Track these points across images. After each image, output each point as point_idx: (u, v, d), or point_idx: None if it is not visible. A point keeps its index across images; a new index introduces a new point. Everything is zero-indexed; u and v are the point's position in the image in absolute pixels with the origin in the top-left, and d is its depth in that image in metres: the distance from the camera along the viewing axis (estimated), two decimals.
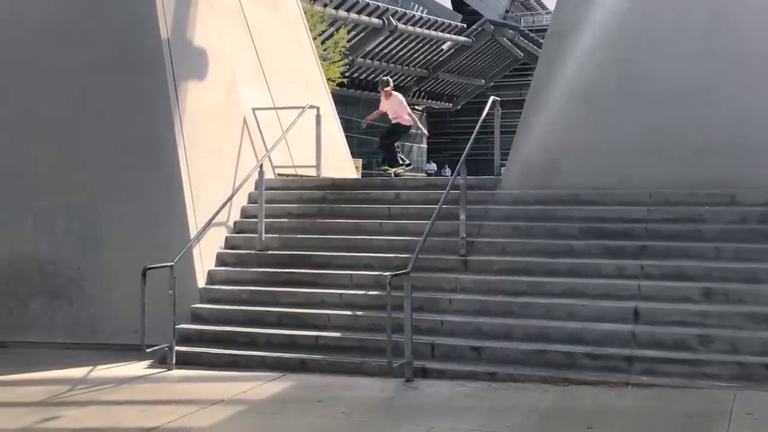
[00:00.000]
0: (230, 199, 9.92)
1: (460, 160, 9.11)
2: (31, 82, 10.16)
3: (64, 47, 10.14)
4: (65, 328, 9.34)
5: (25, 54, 10.25)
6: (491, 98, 10.37)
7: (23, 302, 9.54)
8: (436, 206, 8.61)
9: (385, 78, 15.04)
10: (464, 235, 8.94)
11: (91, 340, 9.17)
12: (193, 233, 9.35)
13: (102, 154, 9.80)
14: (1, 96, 10.17)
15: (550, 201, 9.57)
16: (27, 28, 10.33)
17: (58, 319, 9.40)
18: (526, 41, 54.29)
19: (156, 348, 8.16)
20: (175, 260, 8.49)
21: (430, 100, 55.26)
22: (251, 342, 8.48)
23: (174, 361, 8.22)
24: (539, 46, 46.26)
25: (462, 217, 8.94)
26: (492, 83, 56.28)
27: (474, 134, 9.65)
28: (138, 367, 8.23)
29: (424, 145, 57.24)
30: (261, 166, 10.17)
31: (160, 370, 8.14)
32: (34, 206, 9.75)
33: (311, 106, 11.55)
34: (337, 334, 8.33)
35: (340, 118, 14.67)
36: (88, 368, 8.20)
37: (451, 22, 48.10)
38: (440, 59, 50.05)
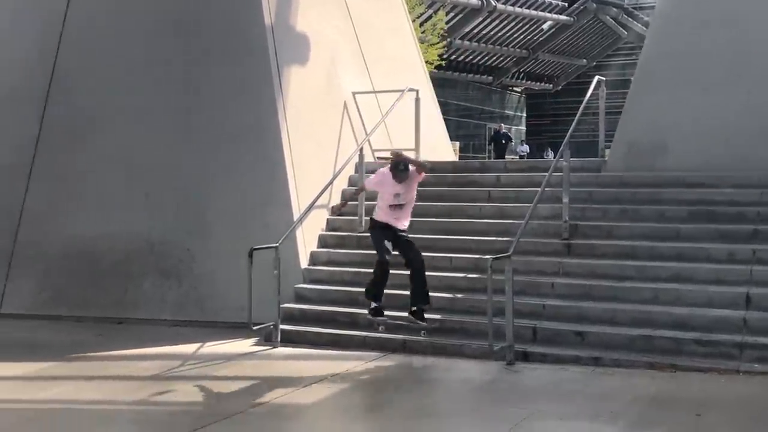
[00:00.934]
0: (331, 182, 10.13)
1: (564, 141, 9.02)
2: (142, 72, 10.63)
3: (174, 38, 10.57)
4: (175, 306, 9.77)
5: (136, 45, 10.74)
6: (596, 78, 10.20)
7: (137, 281, 10.03)
8: (538, 189, 8.57)
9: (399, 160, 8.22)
10: (567, 219, 8.86)
11: (199, 317, 9.56)
12: (296, 216, 9.61)
13: (210, 140, 10.18)
14: (114, 86, 10.70)
15: (657, 184, 9.36)
16: (138, 20, 10.82)
17: (169, 298, 9.84)
18: (630, 19, 52.67)
19: (262, 326, 8.46)
20: (280, 242, 8.77)
21: (529, 81, 54.45)
22: (353, 322, 8.67)
23: (279, 339, 8.49)
24: (644, 24, 44.94)
25: (565, 200, 8.86)
26: (594, 63, 54.93)
27: (578, 115, 9.53)
28: (244, 345, 8.53)
29: (523, 127, 56.55)
30: (361, 150, 10.35)
31: (265, 347, 8.42)
32: (147, 191, 10.22)
33: (410, 89, 11.62)
34: (437, 316, 8.41)
35: (438, 100, 14.71)
36: (197, 345, 8.55)
37: (552, 1, 47.15)
38: (540, 39, 49.18)
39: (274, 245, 8.67)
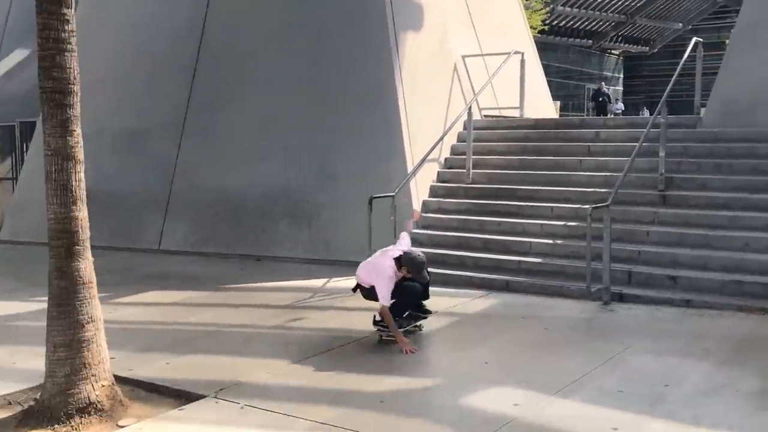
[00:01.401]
0: (442, 138, 10.13)
1: (661, 99, 8.70)
2: (277, 42, 10.86)
3: (304, 10, 10.72)
4: (305, 247, 10.09)
5: (271, 18, 10.96)
6: (694, 39, 9.73)
7: (274, 224, 10.40)
8: (636, 144, 8.32)
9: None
10: (663, 171, 8.58)
11: (326, 257, 9.85)
12: (410, 168, 9.69)
13: (336, 101, 10.34)
14: (253, 55, 10.98)
15: (752, 139, 8.90)
16: None
17: (300, 239, 10.17)
18: None
19: None
20: (396, 191, 8.89)
21: (626, 45, 52.14)
22: (460, 264, 8.73)
23: None
24: None
25: (662, 153, 8.57)
26: (689, 26, 52.00)
27: (675, 75, 9.14)
28: None
29: (620, 87, 54.40)
30: (469, 108, 10.28)
31: None
32: (283, 146, 10.51)
33: (516, 52, 11.41)
34: (538, 260, 8.38)
35: (540, 63, 14.36)
36: (325, 280, 8.83)
37: None
38: (638, 4, 46.84)
39: (391, 194, 8.81)
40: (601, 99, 27.55)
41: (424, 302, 6.48)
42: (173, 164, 11.36)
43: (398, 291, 6.04)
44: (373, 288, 6.07)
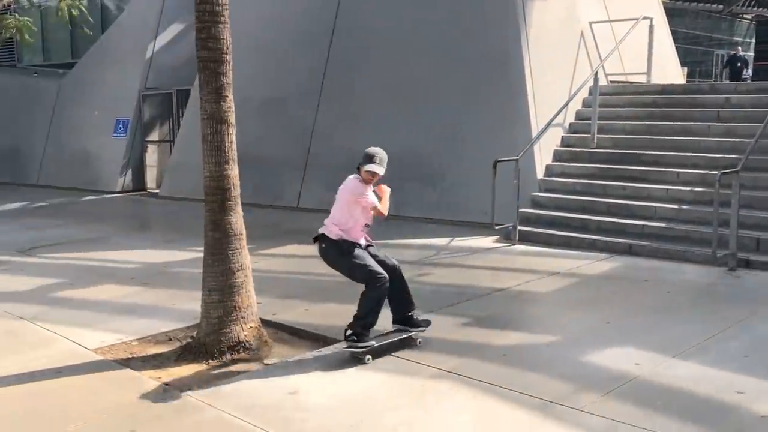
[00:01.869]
0: (567, 103, 9.80)
1: None
2: (406, 13, 10.81)
3: None
4: (431, 207, 10.11)
5: None
6: None
7: (401, 185, 10.42)
8: None
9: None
10: None
11: (450, 217, 9.83)
12: (534, 133, 9.45)
13: (462, 67, 10.20)
14: (384, 24, 10.99)
15: None
16: None
17: (426, 200, 10.19)
18: None
19: (502, 227, 8.54)
20: (520, 155, 8.71)
21: (760, 8, 48.14)
22: (583, 227, 8.48)
23: (516, 238, 8.54)
24: None
25: None
26: None
27: None
28: (487, 241, 8.69)
29: (750, 53, 50.42)
30: (596, 74, 9.86)
31: (505, 244, 8.52)
32: (414, 110, 10.50)
33: (644, 18, 10.79)
34: (663, 225, 8.00)
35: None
36: (448, 239, 8.85)
37: None
38: None
39: (515, 158, 8.64)
40: (738, 65, 25.51)
41: (415, 314, 5.08)
42: (311, 128, 11.65)
43: (357, 267, 4.79)
44: (333, 245, 4.85)
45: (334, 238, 4.88)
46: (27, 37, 8.43)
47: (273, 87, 12.14)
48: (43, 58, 19.28)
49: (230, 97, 4.98)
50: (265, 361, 4.86)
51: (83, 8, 9.37)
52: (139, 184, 15.20)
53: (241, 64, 10.67)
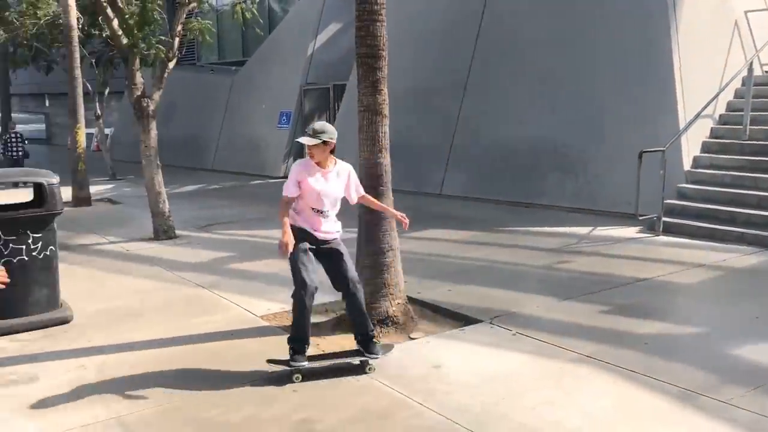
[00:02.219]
0: (718, 94, 9.13)
1: None
2: (550, 4, 10.50)
3: None
4: (572, 196, 9.82)
5: None
6: None
7: (541, 175, 10.25)
8: None
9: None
10: None
11: (591, 207, 9.50)
12: (681, 124, 8.90)
13: (606, 57, 9.78)
14: (531, 15, 10.75)
15: None
16: None
17: (567, 189, 9.91)
18: None
19: (646, 217, 8.14)
20: (667, 146, 8.25)
21: None
22: (730, 219, 7.90)
23: (660, 229, 8.11)
24: None
25: None
26: None
27: None
28: (630, 231, 8.31)
29: None
30: (750, 64, 9.09)
31: (648, 235, 8.11)
32: (556, 101, 10.24)
33: None
34: None
35: None
36: (589, 228, 8.54)
37: None
38: None
39: (662, 149, 8.19)
40: None
41: (367, 331, 4.26)
42: (455, 119, 11.65)
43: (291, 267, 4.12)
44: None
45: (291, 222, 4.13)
46: (207, 38, 9.02)
47: (421, 79, 12.24)
48: (218, 57, 20.59)
49: (385, 90, 5.09)
50: (411, 336, 4.96)
51: (255, 11, 9.90)
52: None
53: (392, 57, 10.89)
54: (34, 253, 5.21)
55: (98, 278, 6.87)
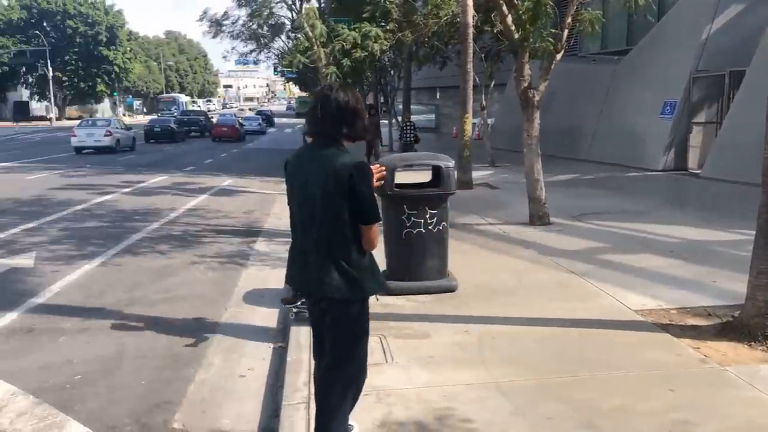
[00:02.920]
0: None
1: None
2: None
3: None
4: None
5: None
6: None
7: None
8: None
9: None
10: None
11: None
12: None
13: None
14: None
15: None
16: None
17: None
18: None
19: None
20: None
21: None
22: None
23: None
24: None
25: None
26: None
27: None
28: None
29: None
30: None
31: None
32: None
33: None
34: None
35: None
36: None
37: None
38: None
39: None
40: None
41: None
42: None
43: None
44: None
45: None
46: (596, 28, 8.96)
47: None
48: (600, 47, 20.24)
49: None
50: None
51: None
52: (680, 163, 14.86)
53: None
54: (430, 227, 5.90)
55: (478, 254, 7.46)
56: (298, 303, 5.52)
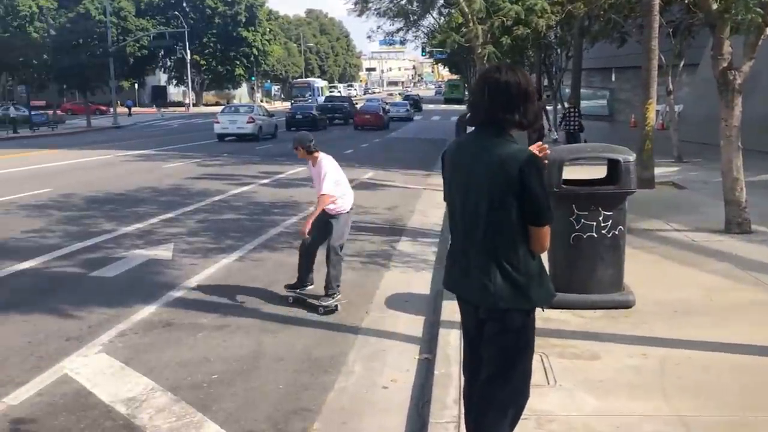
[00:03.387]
0: None
1: None
2: None
3: None
4: None
5: None
6: None
7: None
8: None
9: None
10: None
11: None
12: None
13: None
14: None
15: None
16: None
17: None
18: None
19: None
20: None
21: None
22: None
23: None
24: None
25: None
26: None
27: None
28: None
29: None
30: None
31: None
32: None
33: None
34: None
35: None
36: None
37: None
38: None
39: None
40: None
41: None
42: None
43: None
44: None
45: None
46: None
47: None
48: None
49: None
50: None
51: None
52: None
53: None
54: (603, 231, 5.73)
55: (661, 266, 7.16)
56: (297, 291, 6.43)
